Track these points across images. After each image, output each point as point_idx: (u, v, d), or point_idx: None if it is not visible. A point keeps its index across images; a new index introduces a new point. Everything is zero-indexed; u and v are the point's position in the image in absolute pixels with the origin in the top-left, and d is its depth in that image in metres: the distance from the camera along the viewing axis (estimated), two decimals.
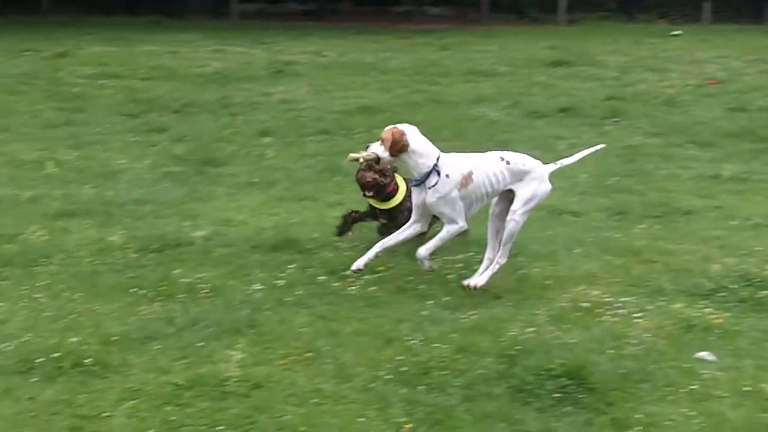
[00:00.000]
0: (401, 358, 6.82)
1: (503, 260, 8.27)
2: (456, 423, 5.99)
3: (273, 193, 12.08)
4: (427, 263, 8.35)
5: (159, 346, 7.12)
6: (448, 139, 14.87)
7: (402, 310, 7.84)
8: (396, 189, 9.11)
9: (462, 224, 8.21)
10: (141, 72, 22.27)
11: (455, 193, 8.07)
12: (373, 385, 6.47)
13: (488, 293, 8.23)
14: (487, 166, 8.22)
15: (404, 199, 9.00)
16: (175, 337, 7.29)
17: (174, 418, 6.03)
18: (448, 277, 8.54)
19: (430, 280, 8.49)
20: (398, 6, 39.28)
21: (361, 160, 8.35)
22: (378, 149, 8.13)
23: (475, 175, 8.13)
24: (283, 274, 8.62)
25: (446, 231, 8.23)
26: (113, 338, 7.15)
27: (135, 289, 8.22)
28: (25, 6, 36.27)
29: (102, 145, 14.96)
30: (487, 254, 8.39)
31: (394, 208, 9.13)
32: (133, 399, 6.27)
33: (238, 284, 8.41)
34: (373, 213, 9.36)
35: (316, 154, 14.38)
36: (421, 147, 8.10)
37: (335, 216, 10.64)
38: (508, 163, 8.25)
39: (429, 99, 19.12)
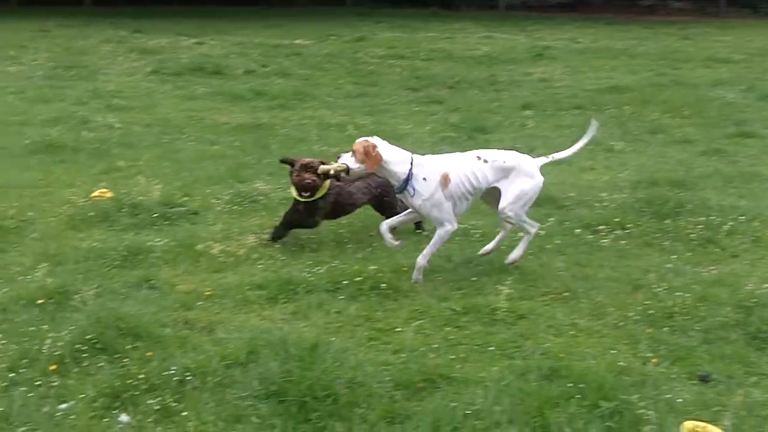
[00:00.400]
0: (648, 302, 6.65)
1: (533, 230, 7.48)
2: (696, 361, 5.79)
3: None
4: (418, 275, 7.17)
5: (440, 278, 7.24)
6: (688, 117, 14.40)
7: (648, 262, 7.64)
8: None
9: (451, 227, 7.20)
10: (422, 54, 22.51)
11: (439, 194, 7.07)
12: (623, 323, 6.35)
13: (725, 252, 7.91)
14: (463, 166, 7.21)
15: (325, 193, 7.94)
16: (452, 272, 7.40)
17: (453, 337, 6.12)
18: (691, 236, 8.23)
19: (674, 237, 8.23)
20: (643, 0, 38.01)
21: (332, 171, 7.20)
22: (349, 160, 7.08)
23: (452, 175, 7.12)
24: (543, 226, 8.52)
25: (438, 236, 7.20)
26: (403, 268, 7.31)
27: (419, 231, 8.36)
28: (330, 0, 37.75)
29: (391, 113, 15.26)
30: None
31: (314, 201, 7.91)
32: (419, 319, 6.40)
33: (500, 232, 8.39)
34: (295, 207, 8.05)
35: (570, 125, 14.12)
36: (393, 156, 7.05)
37: (589, 179, 10.50)
38: (485, 161, 7.26)
39: (672, 81, 18.44)
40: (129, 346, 5.71)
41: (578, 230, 8.44)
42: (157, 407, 5.01)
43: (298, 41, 24.17)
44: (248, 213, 8.89)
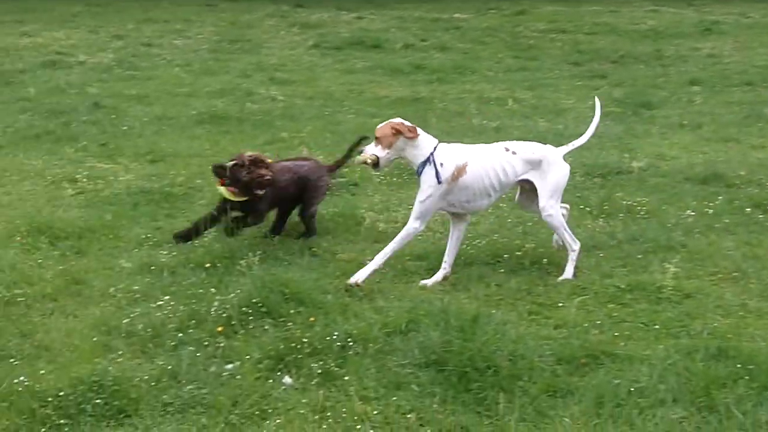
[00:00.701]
0: None
1: (576, 246, 6.80)
2: None
3: (701, 133, 11.64)
4: (364, 275, 6.54)
5: (602, 255, 7.12)
6: None
7: None
8: None
9: (420, 226, 6.69)
10: (585, 27, 22.06)
11: (442, 186, 6.58)
12: None
13: None
14: (488, 158, 6.74)
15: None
16: (616, 249, 7.26)
17: (616, 314, 6.03)
18: None
19: None
20: None
21: (368, 161, 6.69)
22: (375, 150, 6.66)
23: (471, 167, 6.64)
24: (711, 204, 8.29)
25: (404, 233, 6.66)
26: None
27: (582, 206, 8.24)
28: None
29: (552, 88, 15.06)
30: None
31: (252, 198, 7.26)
32: (582, 295, 6.32)
33: (672, 209, 8.21)
34: (224, 207, 7.37)
35: (740, 102, 13.63)
36: (422, 136, 6.66)
37: (759, 157, 10.12)
38: (514, 153, 6.80)
39: None
40: (293, 311, 5.86)
41: (748, 209, 8.14)
42: (320, 371, 5.12)
43: (457, 15, 24.06)
44: (406, 185, 8.95)
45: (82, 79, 15.29)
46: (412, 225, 6.64)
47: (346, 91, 14.61)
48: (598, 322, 5.85)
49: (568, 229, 6.86)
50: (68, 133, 11.30)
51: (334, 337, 5.43)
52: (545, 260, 6.81)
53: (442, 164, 6.55)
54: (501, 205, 8.27)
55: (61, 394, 4.81)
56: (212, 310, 5.84)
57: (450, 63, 17.25)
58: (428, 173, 6.57)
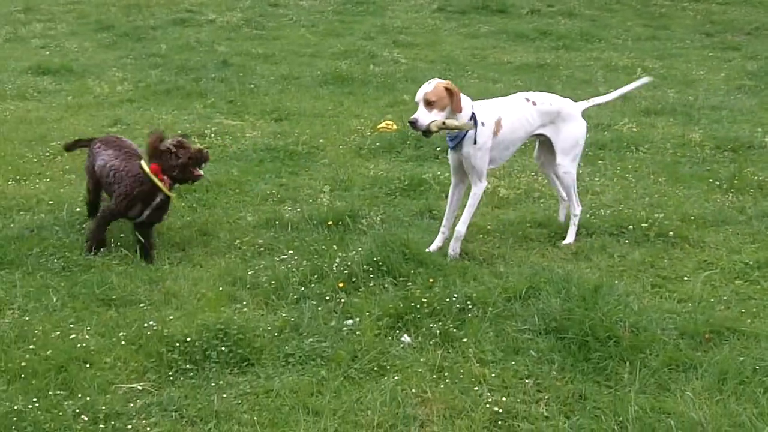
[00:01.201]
0: None
1: (578, 210, 6.73)
2: None
3: None
4: (457, 247, 6.43)
5: (731, 230, 6.95)
6: None
7: None
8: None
9: (486, 183, 6.55)
10: None
11: (489, 142, 6.39)
12: None
13: None
14: (514, 110, 6.55)
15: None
16: (745, 224, 7.08)
17: (743, 291, 5.89)
18: None
19: None
20: None
21: (454, 125, 6.17)
22: (431, 114, 6.13)
23: (505, 121, 6.46)
24: None
25: (475, 196, 6.46)
26: (691, 218, 7.07)
27: (711, 180, 8.05)
28: None
29: (682, 58, 14.69)
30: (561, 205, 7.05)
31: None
32: (708, 270, 6.18)
33: None
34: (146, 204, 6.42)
35: None
36: (463, 98, 6.29)
37: None
38: (534, 104, 6.59)
39: None
40: (413, 271, 5.90)
41: None
42: (438, 331, 5.16)
43: None
44: (529, 151, 8.86)
45: (212, 38, 15.62)
46: (481, 186, 6.48)
47: (469, 56, 14.55)
48: (724, 297, 5.74)
49: (576, 190, 6.82)
50: (197, 90, 11.57)
51: (454, 299, 5.46)
52: (671, 233, 6.67)
53: (483, 123, 6.34)
54: (627, 175, 8.16)
55: (188, 340, 4.97)
56: (334, 266, 5.93)
57: (577, 30, 16.96)
58: (480, 133, 6.33)
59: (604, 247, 6.57)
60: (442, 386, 4.67)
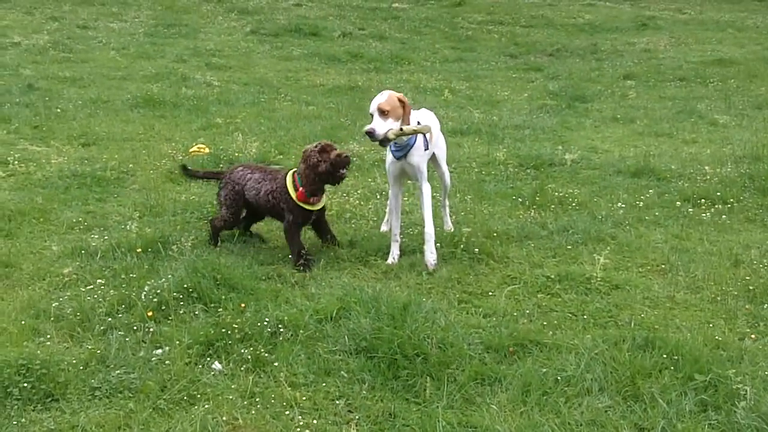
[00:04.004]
0: (748, 278, 6.48)
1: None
2: None
3: (634, 128, 11.84)
4: (434, 256, 6.65)
5: (533, 245, 7.19)
6: None
7: (750, 238, 7.46)
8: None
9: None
10: (523, 20, 22.32)
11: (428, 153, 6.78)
12: (721, 298, 6.20)
13: None
14: (432, 121, 6.91)
15: None
16: (547, 239, 7.34)
17: (545, 304, 6.09)
18: None
19: None
20: None
21: (409, 130, 6.44)
22: (387, 123, 6.35)
23: (434, 130, 6.84)
24: (642, 197, 8.44)
25: (428, 195, 6.71)
26: (495, 234, 7.28)
27: (514, 197, 8.33)
28: None
29: (488, 79, 15.21)
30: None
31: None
32: (512, 285, 6.37)
33: (603, 201, 8.33)
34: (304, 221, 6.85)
35: (673, 97, 13.90)
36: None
37: (691, 152, 10.31)
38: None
39: None
40: (224, 297, 5.83)
41: (678, 203, 8.28)
42: (250, 357, 5.10)
43: (395, 5, 24.15)
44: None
45: (17, 61, 15.04)
46: (428, 185, 6.72)
47: (283, 78, 14.58)
48: (527, 311, 5.91)
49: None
50: (0, 115, 11.08)
51: (265, 323, 5.42)
52: (476, 249, 6.84)
53: (431, 129, 6.60)
54: (434, 194, 8.30)
55: None
56: (143, 295, 5.78)
57: (387, 52, 17.30)
58: (420, 140, 6.59)
59: (414, 265, 6.67)
60: (253, 412, 4.62)
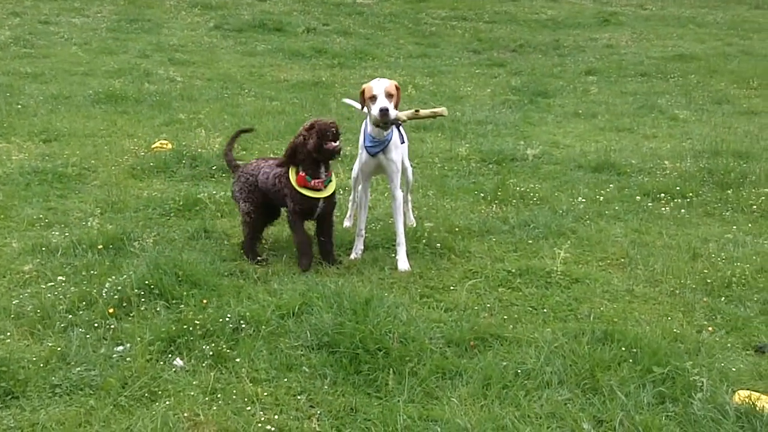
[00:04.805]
0: (706, 271, 6.56)
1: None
2: (752, 332, 5.71)
3: (595, 123, 11.93)
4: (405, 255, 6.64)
5: (494, 239, 7.22)
6: (756, 88, 14.15)
7: (708, 231, 7.55)
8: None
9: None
10: (486, 16, 22.39)
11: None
12: (679, 291, 6.28)
13: None
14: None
15: None
16: (508, 233, 7.38)
17: (506, 298, 6.13)
18: (753, 207, 8.12)
19: (735, 208, 8.12)
20: None
21: (424, 114, 6.65)
22: (391, 105, 6.39)
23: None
24: (603, 192, 8.51)
25: (400, 203, 6.74)
26: (457, 229, 7.31)
27: (476, 192, 8.37)
28: None
29: (451, 75, 15.23)
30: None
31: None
32: (473, 279, 6.40)
33: (564, 196, 8.39)
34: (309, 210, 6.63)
35: (635, 92, 14.03)
36: None
37: (651, 146, 10.40)
38: None
39: (741, 51, 18.16)
40: (186, 293, 5.81)
41: (638, 197, 8.37)
42: (211, 353, 5.09)
43: (360, 0, 24.09)
44: None
45: None
46: (401, 193, 6.77)
47: (247, 74, 14.54)
48: (488, 305, 5.95)
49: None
50: None
51: (227, 319, 5.41)
52: (438, 244, 6.87)
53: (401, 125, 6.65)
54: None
55: None
56: (104, 291, 5.74)
57: (351, 48, 17.29)
58: (396, 135, 6.63)
59: (376, 260, 6.68)
60: (214, 408, 4.61)
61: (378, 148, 6.59)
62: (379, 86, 6.40)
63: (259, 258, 6.60)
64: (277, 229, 7.14)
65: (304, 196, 6.44)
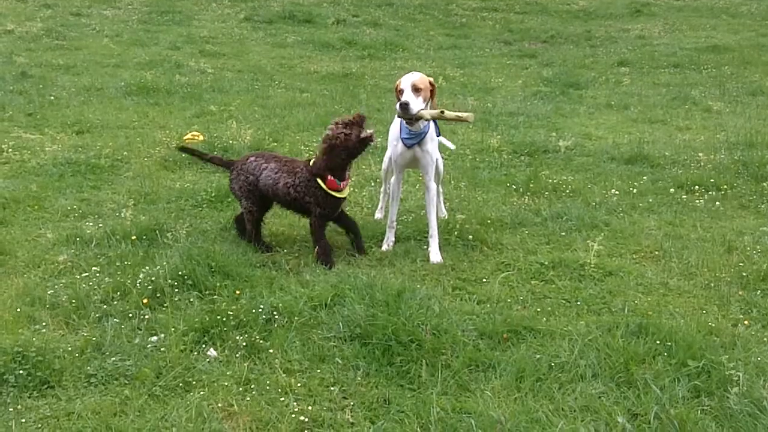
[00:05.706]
0: (741, 264, 6.51)
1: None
2: None
3: (628, 114, 11.85)
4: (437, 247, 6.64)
5: (527, 231, 7.20)
6: None
7: (743, 224, 7.49)
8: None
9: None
10: (517, 7, 22.30)
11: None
12: (714, 284, 6.23)
13: None
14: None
15: None
16: (541, 225, 7.35)
17: (539, 290, 6.10)
18: None
19: None
20: None
21: (451, 116, 6.45)
22: (419, 102, 6.33)
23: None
24: (636, 184, 8.45)
25: (434, 195, 6.77)
26: (489, 221, 7.29)
27: (508, 184, 8.35)
28: None
29: (482, 66, 15.20)
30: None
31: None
32: (506, 271, 6.38)
33: (597, 188, 8.34)
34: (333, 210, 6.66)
35: (667, 84, 13.92)
36: None
37: (685, 138, 10.32)
38: None
39: None
40: (219, 284, 5.84)
41: (672, 190, 8.31)
42: (245, 343, 5.11)
43: None
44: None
45: (10, 48, 15.01)
46: (434, 186, 6.76)
47: (277, 65, 14.57)
48: (521, 297, 5.94)
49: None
50: None
51: (260, 310, 5.43)
52: (471, 236, 6.86)
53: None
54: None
55: None
56: (137, 282, 5.79)
57: (381, 39, 17.27)
58: (433, 127, 6.60)
59: (408, 252, 6.68)
60: (248, 398, 4.63)
61: (415, 140, 6.57)
62: (407, 80, 6.38)
63: (265, 245, 6.68)
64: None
65: (336, 198, 6.50)
